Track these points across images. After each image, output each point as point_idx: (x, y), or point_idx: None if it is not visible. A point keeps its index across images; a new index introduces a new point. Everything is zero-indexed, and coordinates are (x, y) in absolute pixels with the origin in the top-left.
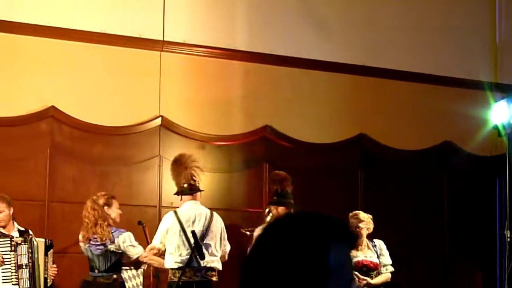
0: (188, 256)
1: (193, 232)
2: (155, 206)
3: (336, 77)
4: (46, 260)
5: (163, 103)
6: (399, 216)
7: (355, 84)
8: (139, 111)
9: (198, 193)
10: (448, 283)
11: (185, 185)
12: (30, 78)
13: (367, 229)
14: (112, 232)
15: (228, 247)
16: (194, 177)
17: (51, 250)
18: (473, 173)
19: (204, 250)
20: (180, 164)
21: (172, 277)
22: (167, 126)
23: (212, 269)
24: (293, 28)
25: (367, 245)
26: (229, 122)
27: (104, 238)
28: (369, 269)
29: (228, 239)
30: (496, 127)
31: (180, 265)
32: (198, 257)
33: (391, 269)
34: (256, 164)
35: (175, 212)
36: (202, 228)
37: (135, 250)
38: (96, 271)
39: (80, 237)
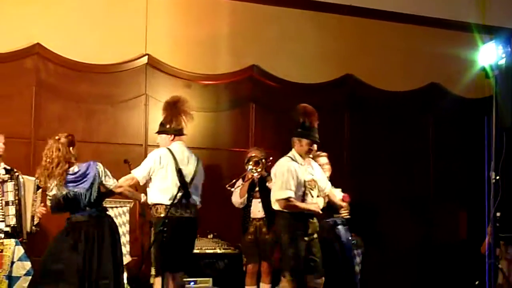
0: (180, 194)
1: (180, 171)
2: (141, 145)
3: (323, 17)
4: (35, 198)
5: (149, 42)
6: (385, 157)
7: (342, 24)
8: (125, 49)
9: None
10: (434, 224)
11: (178, 127)
12: (16, 14)
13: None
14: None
15: None
16: (185, 121)
17: (40, 189)
18: (460, 115)
19: (191, 189)
20: (176, 107)
21: (163, 213)
22: (153, 64)
23: (196, 207)
24: None
25: None
26: (216, 61)
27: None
28: None
29: (212, 179)
30: (483, 69)
31: (170, 201)
32: (184, 195)
33: None
34: (242, 103)
35: (169, 150)
36: (194, 169)
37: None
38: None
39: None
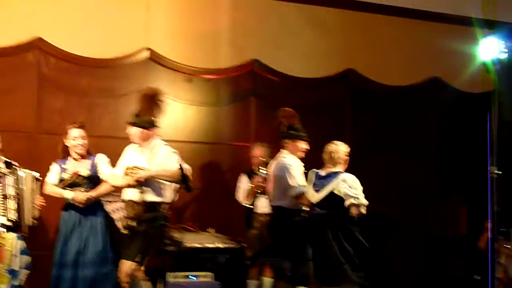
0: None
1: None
2: None
3: (325, 11)
4: (34, 192)
5: (151, 36)
6: (386, 152)
7: (344, 18)
8: (127, 43)
9: None
10: (434, 219)
11: (156, 120)
12: (17, 8)
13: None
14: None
15: None
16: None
17: (39, 182)
18: (461, 110)
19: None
20: (156, 99)
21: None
22: (155, 58)
23: None
24: None
25: None
26: (217, 55)
27: None
28: None
29: (213, 173)
30: (484, 63)
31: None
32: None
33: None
34: (243, 98)
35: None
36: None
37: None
38: None
39: None
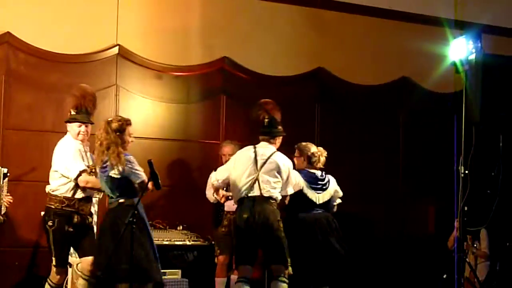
0: None
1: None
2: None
3: (296, 9)
4: (1, 188)
5: (120, 32)
6: (355, 151)
7: (314, 17)
8: (96, 39)
9: None
10: (402, 218)
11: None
12: None
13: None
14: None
15: None
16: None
17: (6, 178)
18: (430, 109)
19: None
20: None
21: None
22: (124, 55)
23: None
24: None
25: None
26: (187, 52)
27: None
28: None
29: (183, 170)
30: (454, 64)
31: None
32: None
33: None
34: (213, 95)
35: None
36: None
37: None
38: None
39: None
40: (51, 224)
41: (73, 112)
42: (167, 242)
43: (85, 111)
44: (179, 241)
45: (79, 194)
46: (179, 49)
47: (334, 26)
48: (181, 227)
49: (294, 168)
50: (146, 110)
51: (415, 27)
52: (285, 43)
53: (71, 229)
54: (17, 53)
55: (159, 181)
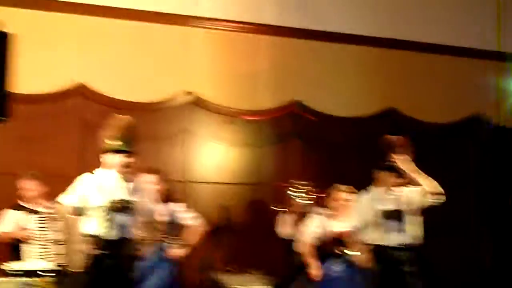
0: None
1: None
2: (183, 181)
3: (364, 51)
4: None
5: (192, 78)
6: None
7: (383, 57)
8: (168, 87)
9: None
10: (473, 253)
11: None
12: (62, 55)
13: None
14: None
15: None
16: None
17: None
18: (502, 145)
19: None
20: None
21: None
22: (196, 101)
23: None
24: (322, 1)
25: None
26: (258, 97)
27: None
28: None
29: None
30: None
31: None
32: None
33: None
34: (285, 138)
35: None
36: None
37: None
38: None
39: None
40: None
41: (116, 142)
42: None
43: (127, 140)
44: (250, 285)
45: None
46: (250, 93)
47: (403, 66)
48: (257, 271)
49: None
50: (219, 155)
51: (484, 63)
52: (355, 84)
53: None
54: (91, 104)
55: (233, 225)
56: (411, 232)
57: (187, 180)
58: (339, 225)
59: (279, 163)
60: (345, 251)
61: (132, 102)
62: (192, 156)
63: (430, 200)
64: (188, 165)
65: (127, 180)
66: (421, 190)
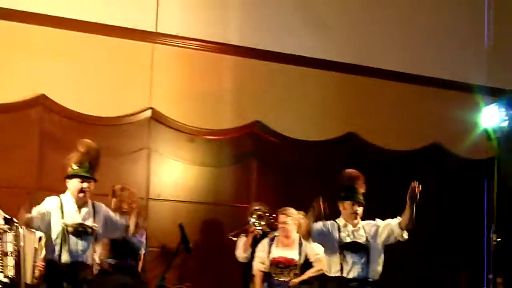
0: None
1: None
2: (143, 198)
3: (327, 75)
4: (37, 251)
5: (154, 95)
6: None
7: (346, 82)
8: (129, 102)
9: None
10: (433, 285)
11: None
12: (22, 66)
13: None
14: None
15: None
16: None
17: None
18: (461, 176)
19: None
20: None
21: None
22: (157, 118)
23: None
24: (286, 24)
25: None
26: (219, 116)
27: None
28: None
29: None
30: (485, 131)
31: None
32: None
33: None
34: (244, 159)
35: None
36: None
37: None
38: None
39: None
40: None
41: (75, 167)
42: None
43: (88, 166)
44: None
45: None
46: (211, 112)
47: (365, 92)
48: None
49: None
50: (177, 172)
51: (447, 93)
52: (316, 107)
53: None
54: (51, 115)
55: (190, 245)
56: (373, 266)
57: (147, 198)
58: (279, 251)
59: (237, 183)
60: (281, 278)
61: (93, 116)
62: (151, 173)
63: (404, 234)
64: (149, 183)
65: (83, 205)
66: (395, 224)
